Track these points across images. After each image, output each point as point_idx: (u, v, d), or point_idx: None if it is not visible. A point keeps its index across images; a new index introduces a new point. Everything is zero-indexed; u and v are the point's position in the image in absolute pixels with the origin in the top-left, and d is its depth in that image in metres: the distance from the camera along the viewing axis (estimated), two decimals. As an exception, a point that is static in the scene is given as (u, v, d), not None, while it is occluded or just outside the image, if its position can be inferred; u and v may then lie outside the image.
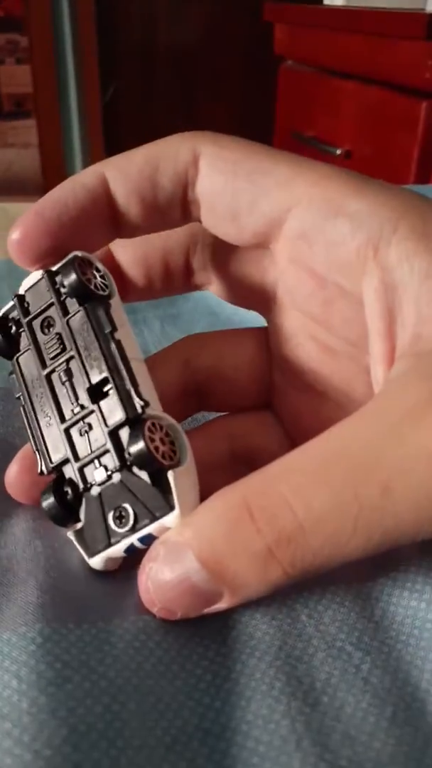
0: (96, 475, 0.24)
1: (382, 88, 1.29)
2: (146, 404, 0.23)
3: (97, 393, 0.24)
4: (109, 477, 0.23)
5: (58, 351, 0.25)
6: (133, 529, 0.23)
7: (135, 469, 0.23)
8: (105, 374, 0.23)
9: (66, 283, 0.24)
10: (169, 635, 0.23)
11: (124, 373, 0.23)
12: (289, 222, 0.24)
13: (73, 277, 0.24)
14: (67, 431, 0.24)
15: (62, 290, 0.25)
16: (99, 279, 0.25)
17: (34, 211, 0.25)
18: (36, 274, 0.26)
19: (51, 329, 0.25)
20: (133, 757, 0.19)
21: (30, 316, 0.26)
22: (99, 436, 0.24)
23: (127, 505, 0.23)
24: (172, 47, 2.43)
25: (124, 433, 0.23)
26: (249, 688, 0.21)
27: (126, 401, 0.23)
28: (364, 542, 0.20)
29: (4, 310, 0.27)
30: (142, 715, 0.20)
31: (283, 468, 0.21)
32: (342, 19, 1.37)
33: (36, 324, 0.26)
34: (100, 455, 0.23)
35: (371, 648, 0.23)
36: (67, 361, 0.25)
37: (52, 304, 0.25)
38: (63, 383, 0.25)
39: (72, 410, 0.24)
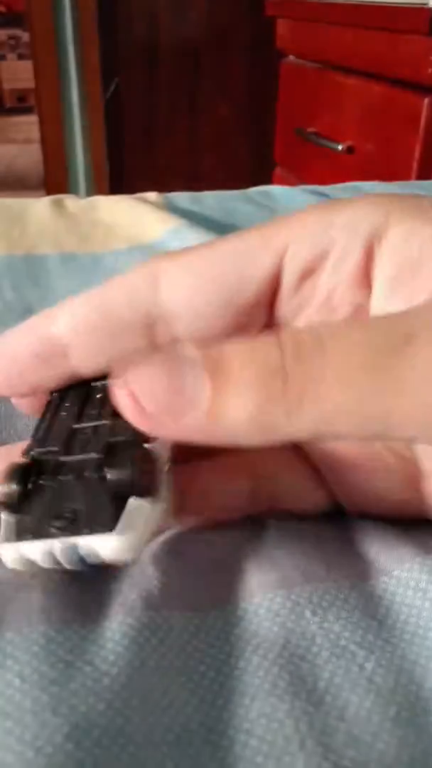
0: (70, 472, 0.23)
1: (385, 83, 1.28)
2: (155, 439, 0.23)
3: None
4: (79, 477, 0.23)
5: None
6: (64, 530, 0.21)
7: (107, 484, 0.22)
8: None
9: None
10: (172, 631, 0.22)
11: None
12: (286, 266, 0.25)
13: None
14: (75, 430, 0.24)
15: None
16: None
17: None
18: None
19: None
20: (135, 754, 0.19)
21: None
22: (97, 444, 0.23)
23: (76, 508, 0.22)
24: (174, 42, 2.43)
25: (121, 450, 0.22)
26: (252, 686, 0.21)
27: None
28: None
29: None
30: (144, 713, 0.20)
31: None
32: (344, 15, 1.37)
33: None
34: (87, 459, 0.23)
35: (375, 647, 0.23)
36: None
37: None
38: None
39: (90, 414, 0.24)
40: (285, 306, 0.25)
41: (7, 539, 0.22)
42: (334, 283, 0.25)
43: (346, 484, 0.27)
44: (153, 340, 0.25)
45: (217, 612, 0.24)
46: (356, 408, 0.18)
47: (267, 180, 1.76)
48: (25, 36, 2.41)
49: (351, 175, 1.16)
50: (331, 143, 1.43)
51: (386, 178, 0.95)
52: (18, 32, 2.52)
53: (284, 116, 1.72)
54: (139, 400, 0.19)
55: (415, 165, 1.21)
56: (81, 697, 0.20)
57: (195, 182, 2.12)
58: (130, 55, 2.39)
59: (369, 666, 0.22)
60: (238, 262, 0.24)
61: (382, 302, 0.24)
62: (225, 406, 0.19)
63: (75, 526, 0.21)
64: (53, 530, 0.21)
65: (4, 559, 0.23)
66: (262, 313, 0.25)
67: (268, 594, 0.24)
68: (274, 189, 0.85)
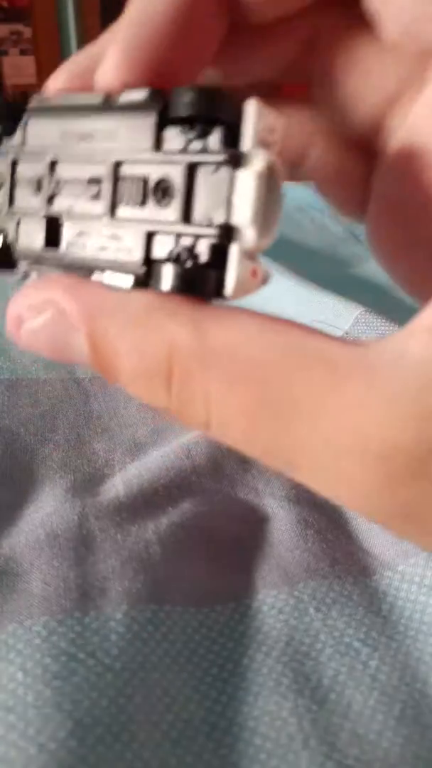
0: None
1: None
2: None
3: None
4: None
5: None
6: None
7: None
8: None
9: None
10: (177, 627, 0.22)
11: None
12: None
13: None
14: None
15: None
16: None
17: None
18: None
19: None
20: (138, 751, 0.19)
21: None
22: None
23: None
24: (176, 39, 2.42)
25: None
26: (256, 684, 0.21)
27: None
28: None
29: None
30: (148, 709, 0.20)
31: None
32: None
33: None
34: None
35: (379, 644, 0.23)
36: None
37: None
38: None
39: None
40: None
41: None
42: None
43: None
44: None
45: (220, 607, 0.24)
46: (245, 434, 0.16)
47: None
48: (27, 31, 2.41)
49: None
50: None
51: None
52: (20, 28, 2.52)
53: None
54: (21, 333, 0.18)
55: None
56: (84, 692, 0.20)
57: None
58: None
59: (373, 663, 0.22)
60: None
61: None
62: (113, 377, 0.17)
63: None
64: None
65: None
66: None
67: (272, 590, 0.24)
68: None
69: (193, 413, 0.16)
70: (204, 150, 0.15)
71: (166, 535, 0.26)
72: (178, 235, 0.16)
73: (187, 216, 0.16)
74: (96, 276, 0.17)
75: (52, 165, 0.18)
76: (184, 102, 0.15)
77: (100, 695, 0.20)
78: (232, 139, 0.15)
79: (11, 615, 0.22)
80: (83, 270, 0.17)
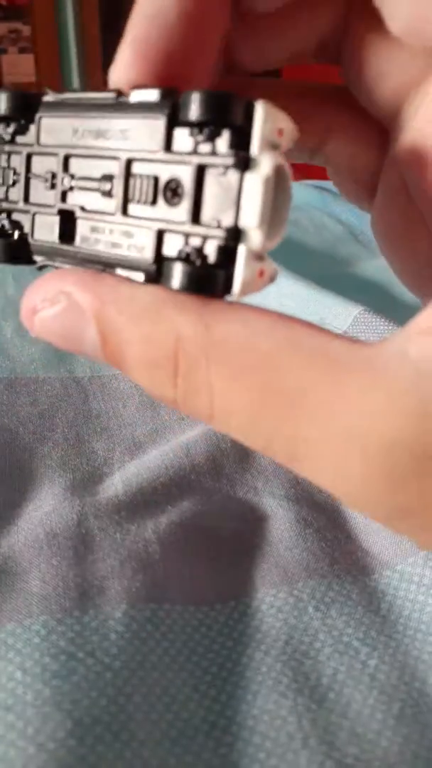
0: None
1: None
2: None
3: None
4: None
5: None
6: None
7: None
8: None
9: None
10: (176, 626, 0.22)
11: None
12: None
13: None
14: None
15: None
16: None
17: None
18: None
19: None
20: (138, 750, 0.19)
21: None
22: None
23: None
24: (175, 37, 2.42)
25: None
26: (255, 683, 0.21)
27: None
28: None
29: None
30: (147, 708, 0.20)
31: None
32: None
33: None
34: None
35: (378, 643, 0.23)
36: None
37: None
38: None
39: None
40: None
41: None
42: None
43: None
44: None
45: (219, 606, 0.24)
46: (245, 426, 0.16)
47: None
48: (26, 30, 2.40)
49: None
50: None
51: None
52: (19, 26, 2.51)
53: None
54: (34, 322, 0.18)
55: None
56: (83, 691, 0.19)
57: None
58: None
59: (372, 662, 0.22)
60: None
61: None
62: (121, 366, 0.18)
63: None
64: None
65: None
66: None
67: (271, 589, 0.24)
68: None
69: (197, 404, 0.16)
70: (213, 152, 0.16)
71: (165, 534, 0.26)
72: (187, 235, 0.16)
73: (196, 217, 0.16)
74: (108, 272, 0.18)
75: (66, 161, 0.18)
76: (193, 106, 0.16)
77: (99, 694, 0.20)
78: (240, 142, 0.15)
79: (10, 614, 0.22)
80: (96, 265, 0.18)
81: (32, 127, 0.19)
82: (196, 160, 0.16)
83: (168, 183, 0.16)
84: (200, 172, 0.16)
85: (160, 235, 0.17)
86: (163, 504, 0.28)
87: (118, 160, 0.17)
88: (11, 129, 0.19)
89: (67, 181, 0.18)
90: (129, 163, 0.17)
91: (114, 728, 0.19)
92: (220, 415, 0.16)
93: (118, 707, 0.19)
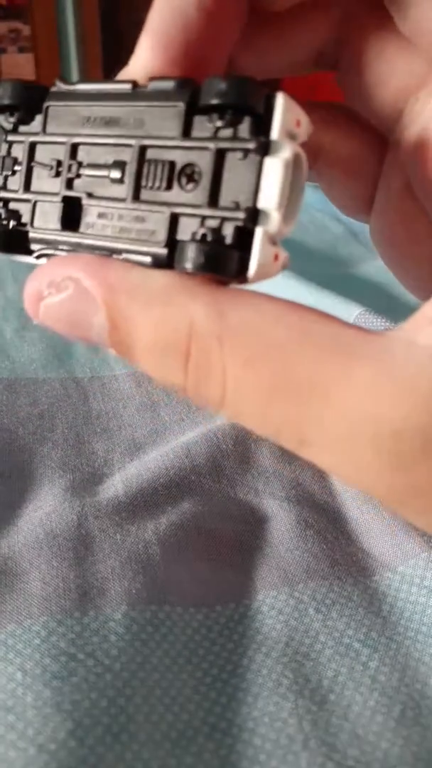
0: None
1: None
2: None
3: None
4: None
5: None
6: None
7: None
8: None
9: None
10: (176, 627, 0.22)
11: None
12: None
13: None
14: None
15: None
16: None
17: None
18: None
19: None
20: (138, 751, 0.19)
21: None
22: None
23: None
24: (175, 37, 2.42)
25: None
26: (256, 685, 0.21)
27: None
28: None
29: None
30: (147, 709, 0.20)
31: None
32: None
33: None
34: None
35: (379, 644, 0.23)
36: None
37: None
38: None
39: None
40: None
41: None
42: None
43: None
44: None
45: (220, 608, 0.23)
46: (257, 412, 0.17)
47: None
48: (26, 29, 2.40)
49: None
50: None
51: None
52: (19, 25, 2.51)
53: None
54: (40, 309, 0.18)
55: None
56: (84, 692, 0.19)
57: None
58: (131, 49, 2.38)
59: (373, 664, 0.22)
60: None
61: None
62: (128, 354, 0.18)
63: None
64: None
65: None
66: None
67: (272, 591, 0.24)
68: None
69: (208, 390, 0.16)
70: (234, 137, 0.16)
71: (165, 535, 0.26)
72: (204, 218, 0.16)
73: (214, 199, 0.16)
74: (115, 257, 0.18)
75: (74, 148, 0.18)
76: (216, 90, 0.16)
77: (99, 696, 0.19)
78: (260, 128, 0.16)
79: (10, 615, 0.22)
80: (102, 251, 0.18)
81: (38, 117, 0.19)
82: (216, 144, 0.16)
83: (184, 168, 0.17)
84: (219, 156, 0.16)
85: (174, 219, 0.17)
86: (163, 505, 0.28)
87: (131, 147, 0.17)
88: (14, 119, 0.19)
89: (74, 169, 0.18)
90: (143, 149, 0.17)
91: (114, 729, 0.19)
92: (232, 402, 0.16)
93: (119, 708, 0.19)
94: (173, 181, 0.17)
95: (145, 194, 0.17)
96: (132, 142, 0.17)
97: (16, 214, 0.19)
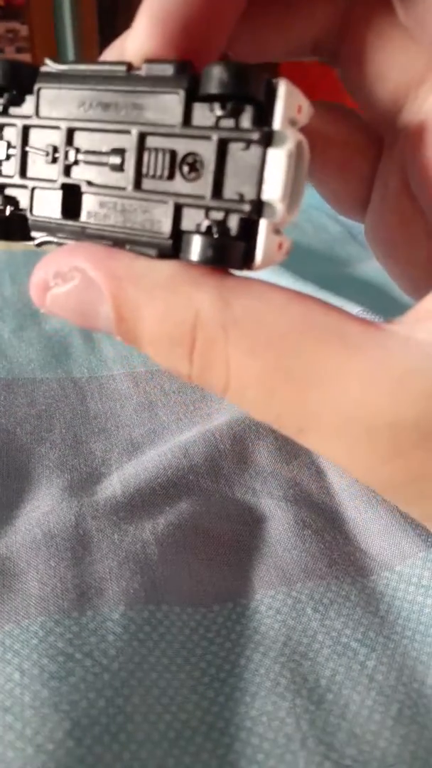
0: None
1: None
2: None
3: None
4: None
5: None
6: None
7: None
8: None
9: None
10: (174, 627, 0.22)
11: None
12: None
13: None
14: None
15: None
16: None
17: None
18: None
19: None
20: (136, 751, 0.19)
21: None
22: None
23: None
24: (173, 38, 2.42)
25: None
26: (253, 684, 0.21)
27: None
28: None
29: None
30: (145, 709, 0.20)
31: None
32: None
33: None
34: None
35: (377, 644, 0.23)
36: None
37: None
38: None
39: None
40: None
41: None
42: None
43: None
44: None
45: (218, 607, 0.23)
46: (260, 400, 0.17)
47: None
48: (23, 29, 2.40)
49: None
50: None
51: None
52: (16, 26, 2.51)
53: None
54: (46, 298, 0.18)
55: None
56: (81, 692, 0.19)
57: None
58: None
59: (370, 664, 0.22)
60: None
61: None
62: (135, 342, 0.18)
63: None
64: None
65: None
66: None
67: (269, 590, 0.24)
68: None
69: (213, 378, 0.17)
70: (236, 128, 0.16)
71: (163, 535, 0.26)
72: (208, 209, 0.16)
73: (218, 191, 0.16)
74: (118, 247, 0.17)
75: (70, 133, 0.18)
76: (216, 79, 0.15)
77: (97, 695, 0.19)
78: (262, 117, 0.16)
79: (8, 615, 0.22)
80: (106, 240, 0.18)
81: (29, 99, 0.18)
82: (218, 135, 0.16)
83: (185, 157, 0.16)
84: (222, 146, 0.16)
85: (178, 210, 0.17)
86: (161, 505, 0.28)
87: (130, 134, 0.17)
88: (4, 99, 0.18)
89: (71, 155, 0.18)
90: (143, 136, 0.17)
91: (112, 729, 0.19)
92: (236, 389, 0.17)
93: (116, 708, 0.19)
94: (175, 170, 0.17)
95: (146, 183, 0.17)
96: (131, 128, 0.17)
97: (13, 200, 0.19)
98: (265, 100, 0.16)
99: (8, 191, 0.19)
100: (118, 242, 0.17)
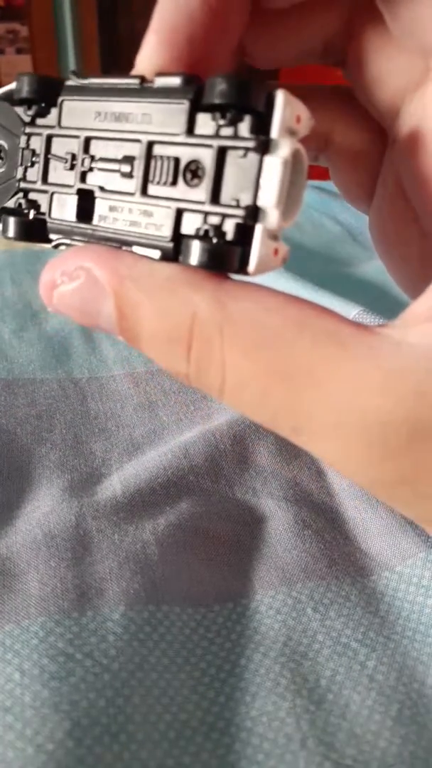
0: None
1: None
2: None
3: None
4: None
5: None
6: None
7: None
8: None
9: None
10: (174, 627, 0.22)
11: None
12: None
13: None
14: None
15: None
16: None
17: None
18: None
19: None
20: (136, 751, 0.19)
21: None
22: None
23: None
24: (173, 38, 2.42)
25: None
26: (254, 684, 0.21)
27: None
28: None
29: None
30: (145, 709, 0.20)
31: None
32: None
33: None
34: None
35: (377, 644, 0.23)
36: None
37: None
38: None
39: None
40: None
41: None
42: None
43: None
44: None
45: (218, 608, 0.23)
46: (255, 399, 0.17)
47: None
48: (23, 30, 2.40)
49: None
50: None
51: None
52: (17, 26, 2.51)
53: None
54: (53, 297, 0.19)
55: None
56: (82, 692, 0.19)
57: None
58: (130, 50, 2.39)
59: (371, 664, 0.22)
60: None
61: None
62: (134, 341, 0.18)
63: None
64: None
65: None
66: None
67: (270, 591, 0.24)
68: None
69: (209, 378, 0.17)
70: (234, 136, 0.16)
71: (163, 535, 0.26)
72: (206, 214, 0.17)
73: (215, 196, 0.17)
74: (125, 249, 0.18)
75: (87, 142, 0.19)
76: (217, 91, 0.16)
77: (97, 696, 0.19)
78: (260, 127, 0.16)
79: (8, 615, 0.22)
80: (114, 243, 0.18)
81: (54, 110, 0.19)
82: (218, 143, 0.17)
83: (188, 165, 0.17)
84: (221, 154, 0.17)
85: (179, 214, 0.17)
86: (161, 505, 0.28)
87: (140, 142, 0.18)
88: (32, 111, 0.20)
89: (87, 162, 0.19)
90: (150, 145, 0.18)
91: (112, 729, 0.19)
92: (231, 389, 0.17)
93: (117, 708, 0.19)
94: (178, 176, 0.17)
95: (152, 189, 0.18)
96: (140, 137, 0.18)
97: (35, 204, 0.20)
98: (264, 110, 0.16)
99: (31, 195, 0.20)
100: (124, 244, 0.18)
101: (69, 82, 0.19)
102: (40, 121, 0.20)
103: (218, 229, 0.17)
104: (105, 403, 0.36)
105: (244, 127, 0.16)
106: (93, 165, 0.19)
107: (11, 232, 0.20)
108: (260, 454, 0.31)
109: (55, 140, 0.20)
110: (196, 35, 0.19)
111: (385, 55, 0.21)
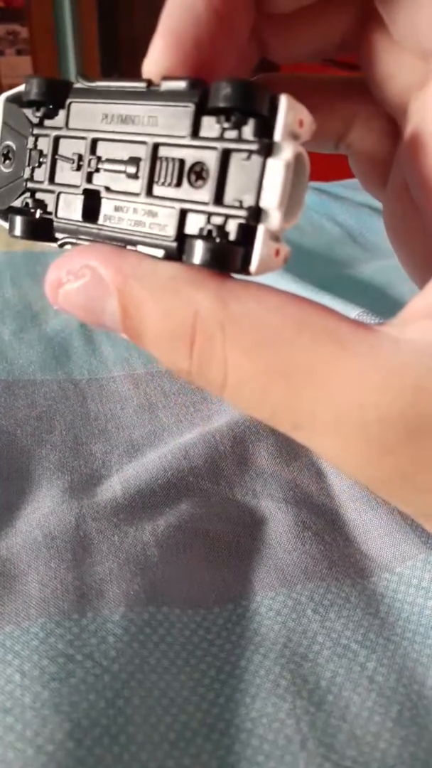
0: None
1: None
2: None
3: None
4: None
5: None
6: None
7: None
8: None
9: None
10: (174, 628, 0.22)
11: None
12: None
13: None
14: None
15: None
16: None
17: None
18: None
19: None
20: (136, 753, 0.19)
21: None
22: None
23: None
24: (173, 39, 2.42)
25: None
26: (254, 685, 0.21)
27: None
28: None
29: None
30: (145, 711, 0.20)
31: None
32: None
33: None
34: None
35: (377, 645, 0.23)
36: None
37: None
38: None
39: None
40: None
41: None
42: None
43: None
44: None
45: (218, 609, 0.23)
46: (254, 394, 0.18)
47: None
48: (23, 31, 2.40)
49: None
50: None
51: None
52: (17, 27, 2.51)
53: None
54: (58, 295, 0.19)
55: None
56: (82, 693, 0.19)
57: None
58: (129, 51, 2.39)
59: (371, 665, 0.22)
60: None
61: None
62: (138, 339, 0.19)
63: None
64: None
65: None
66: None
67: (270, 592, 0.24)
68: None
69: (211, 375, 0.17)
70: (238, 139, 0.17)
71: (163, 537, 0.26)
72: (210, 215, 0.17)
73: (219, 197, 0.17)
74: (130, 248, 0.19)
75: (94, 144, 0.19)
76: (222, 95, 0.17)
77: (97, 697, 0.20)
78: (264, 130, 0.17)
79: (8, 616, 0.22)
80: (118, 242, 0.19)
81: (62, 112, 0.20)
82: (222, 145, 0.17)
83: (193, 166, 0.18)
84: (225, 156, 0.17)
85: (183, 215, 0.18)
86: (161, 506, 0.28)
87: (146, 144, 0.18)
88: (40, 113, 0.20)
89: (93, 163, 0.19)
90: (156, 147, 0.18)
91: (112, 731, 0.19)
92: (232, 387, 0.17)
93: (117, 710, 0.19)
94: (183, 178, 0.18)
95: (157, 190, 0.18)
96: (146, 139, 0.18)
97: (42, 204, 0.20)
98: (268, 114, 0.17)
99: (38, 195, 0.21)
100: (129, 244, 0.19)
101: (77, 85, 0.20)
102: (48, 122, 0.20)
103: (221, 230, 0.17)
104: (105, 404, 0.36)
105: (248, 131, 0.17)
106: (99, 166, 0.19)
107: (18, 231, 0.20)
108: (260, 455, 0.31)
109: (62, 141, 0.20)
110: (202, 39, 0.19)
111: (392, 55, 0.22)
